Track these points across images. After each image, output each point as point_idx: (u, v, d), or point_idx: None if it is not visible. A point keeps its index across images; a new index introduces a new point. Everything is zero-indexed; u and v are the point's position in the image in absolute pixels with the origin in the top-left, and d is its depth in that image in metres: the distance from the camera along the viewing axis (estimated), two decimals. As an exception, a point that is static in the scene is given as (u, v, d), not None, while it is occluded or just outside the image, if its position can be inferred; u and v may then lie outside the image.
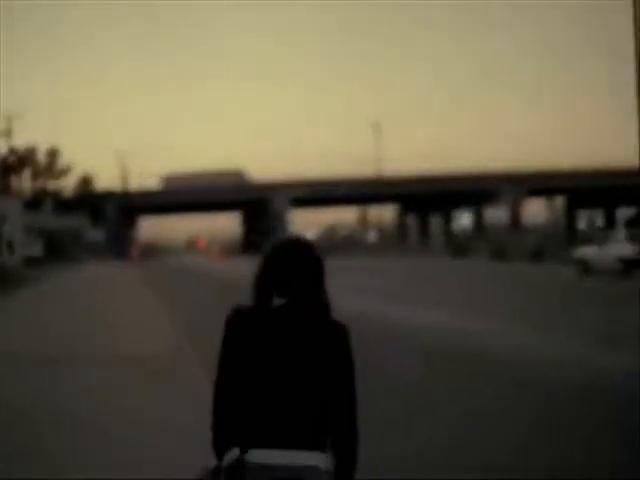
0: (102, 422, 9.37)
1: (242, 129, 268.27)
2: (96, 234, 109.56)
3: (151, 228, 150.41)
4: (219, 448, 3.38)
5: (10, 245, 71.75)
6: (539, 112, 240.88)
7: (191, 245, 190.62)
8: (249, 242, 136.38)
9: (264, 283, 3.48)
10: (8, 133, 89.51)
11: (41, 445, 8.08)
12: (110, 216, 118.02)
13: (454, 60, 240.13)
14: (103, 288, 38.41)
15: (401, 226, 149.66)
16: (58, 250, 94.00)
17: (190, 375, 12.37)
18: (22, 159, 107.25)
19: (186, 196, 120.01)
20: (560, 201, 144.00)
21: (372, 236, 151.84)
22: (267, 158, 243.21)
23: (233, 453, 3.30)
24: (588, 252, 40.69)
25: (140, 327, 19.56)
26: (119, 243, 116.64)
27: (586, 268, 39.17)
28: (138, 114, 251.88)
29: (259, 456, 3.27)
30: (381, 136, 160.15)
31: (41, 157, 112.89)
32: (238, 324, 3.45)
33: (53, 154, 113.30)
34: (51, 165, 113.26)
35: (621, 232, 41.19)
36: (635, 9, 25.95)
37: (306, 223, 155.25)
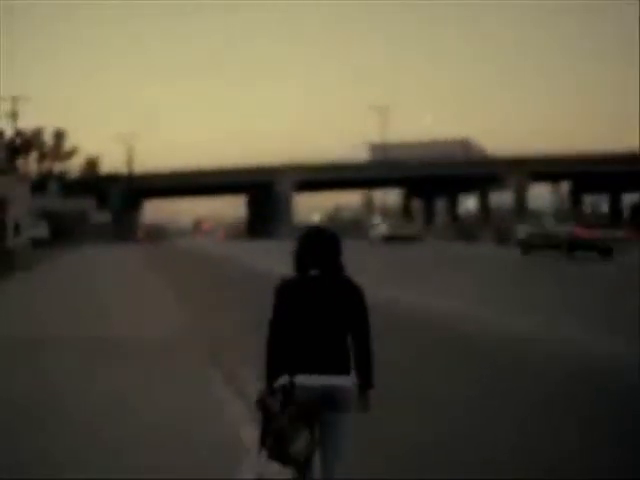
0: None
1: (248, 113, 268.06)
2: (102, 216, 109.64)
3: (157, 211, 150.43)
4: (270, 375, 4.99)
5: (17, 227, 72.00)
6: (545, 97, 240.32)
7: (197, 228, 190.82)
8: (254, 226, 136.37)
9: (300, 259, 5.12)
10: (14, 115, 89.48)
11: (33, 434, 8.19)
12: (116, 198, 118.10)
13: (461, 45, 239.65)
14: (108, 270, 38.59)
15: (406, 210, 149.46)
16: (64, 232, 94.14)
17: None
18: (28, 141, 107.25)
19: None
20: (565, 186, 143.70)
21: (377, 219, 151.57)
22: (272, 142, 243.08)
23: (284, 378, 4.91)
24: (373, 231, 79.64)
25: (140, 309, 19.75)
26: (125, 225, 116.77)
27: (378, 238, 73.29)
28: (145, 100, 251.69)
29: (303, 379, 4.90)
30: (387, 120, 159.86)
31: (47, 139, 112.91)
32: (285, 288, 5.10)
33: (59, 136, 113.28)
34: (57, 147, 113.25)
35: (377, 219, 76.96)
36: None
37: (311, 206, 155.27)
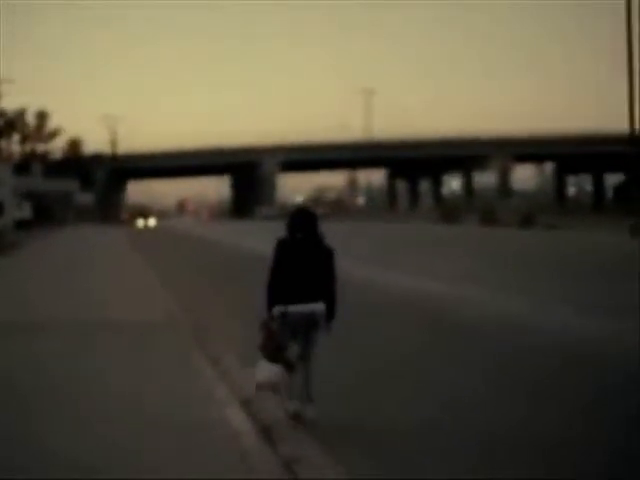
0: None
1: (232, 93, 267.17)
2: (86, 197, 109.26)
3: (141, 191, 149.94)
4: (270, 305, 7.49)
5: (1, 208, 71.78)
6: (530, 78, 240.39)
7: (181, 208, 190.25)
8: (238, 206, 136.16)
9: (292, 227, 7.60)
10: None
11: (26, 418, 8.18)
12: (100, 179, 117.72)
13: (445, 27, 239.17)
14: (93, 250, 38.52)
15: (390, 190, 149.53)
16: (48, 213, 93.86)
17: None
18: (11, 122, 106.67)
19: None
20: (549, 166, 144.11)
21: (361, 200, 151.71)
22: (257, 122, 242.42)
23: (279, 307, 7.45)
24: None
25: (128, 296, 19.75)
26: (109, 206, 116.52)
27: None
28: (129, 79, 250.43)
29: (293, 307, 7.45)
30: (372, 101, 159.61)
31: (30, 120, 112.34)
32: (281, 246, 7.61)
33: (42, 117, 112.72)
34: (40, 128, 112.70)
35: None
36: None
37: (295, 187, 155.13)
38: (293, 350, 7.48)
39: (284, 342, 7.39)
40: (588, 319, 13.93)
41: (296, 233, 7.55)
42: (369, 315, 14.98)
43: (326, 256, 7.61)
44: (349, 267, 24.15)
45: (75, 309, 16.31)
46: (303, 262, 7.49)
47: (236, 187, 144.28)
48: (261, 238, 33.58)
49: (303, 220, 7.64)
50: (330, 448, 6.88)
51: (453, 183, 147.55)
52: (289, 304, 7.43)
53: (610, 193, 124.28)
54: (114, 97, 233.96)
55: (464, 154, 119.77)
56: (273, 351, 7.37)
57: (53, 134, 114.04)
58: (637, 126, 46.49)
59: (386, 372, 10.10)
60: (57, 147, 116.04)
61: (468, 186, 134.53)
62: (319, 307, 7.50)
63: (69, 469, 6.40)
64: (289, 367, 7.44)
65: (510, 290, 18.62)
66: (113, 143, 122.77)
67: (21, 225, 73.30)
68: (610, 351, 11.28)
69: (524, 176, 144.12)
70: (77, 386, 9.37)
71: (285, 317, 7.40)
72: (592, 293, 17.88)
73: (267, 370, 7.35)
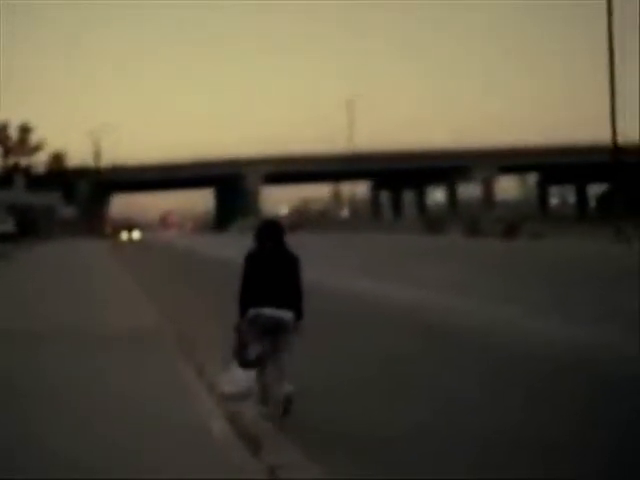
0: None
1: (216, 107, 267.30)
2: (69, 211, 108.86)
3: (126, 204, 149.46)
4: (243, 311, 7.88)
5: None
6: (514, 89, 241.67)
7: (163, 221, 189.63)
8: (222, 218, 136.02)
9: (260, 239, 8.00)
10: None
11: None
12: (83, 192, 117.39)
13: (428, 40, 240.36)
14: (79, 263, 38.41)
15: (374, 202, 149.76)
16: (31, 227, 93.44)
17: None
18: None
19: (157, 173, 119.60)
20: (532, 177, 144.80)
21: (345, 212, 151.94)
22: (240, 135, 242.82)
23: (252, 311, 7.78)
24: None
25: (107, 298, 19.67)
26: (92, 220, 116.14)
27: None
28: (112, 92, 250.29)
29: (266, 311, 7.78)
30: (355, 113, 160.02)
31: (13, 133, 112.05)
32: (250, 257, 8.04)
33: (25, 130, 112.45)
34: (23, 141, 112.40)
35: None
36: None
37: (279, 199, 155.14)
38: (255, 350, 7.74)
39: (247, 339, 7.75)
40: (584, 326, 13.96)
41: (265, 244, 7.98)
42: (360, 324, 14.98)
43: (292, 263, 8.08)
44: (338, 279, 24.15)
45: (64, 318, 16.29)
46: (272, 271, 7.93)
47: (220, 199, 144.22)
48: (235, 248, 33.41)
49: (270, 231, 8.08)
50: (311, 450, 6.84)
51: (437, 194, 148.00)
52: (261, 307, 7.81)
53: (592, 203, 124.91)
54: (98, 110, 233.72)
55: (448, 166, 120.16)
56: (240, 351, 7.79)
57: (36, 148, 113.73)
58: (619, 136, 46.83)
59: (376, 379, 10.10)
60: (40, 160, 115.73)
61: (452, 197, 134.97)
62: (288, 315, 7.87)
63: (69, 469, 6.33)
64: (246, 364, 7.75)
65: (500, 299, 18.65)
66: (97, 156, 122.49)
67: (4, 238, 72.82)
68: (601, 357, 11.29)
69: (507, 187, 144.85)
70: (76, 389, 9.32)
71: (256, 318, 7.77)
72: (589, 297, 17.93)
73: (235, 380, 7.78)
